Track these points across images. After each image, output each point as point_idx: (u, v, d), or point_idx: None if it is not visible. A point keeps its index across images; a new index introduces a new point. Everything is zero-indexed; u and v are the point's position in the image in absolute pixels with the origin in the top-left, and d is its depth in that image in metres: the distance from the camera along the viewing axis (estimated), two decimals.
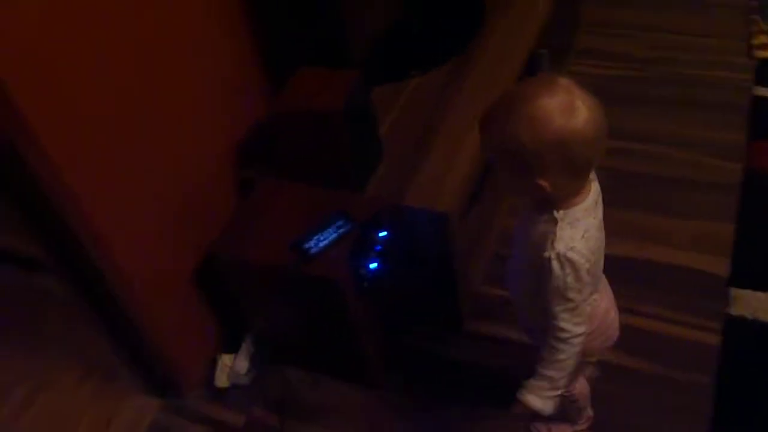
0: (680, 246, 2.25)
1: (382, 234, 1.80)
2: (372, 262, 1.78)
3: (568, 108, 1.15)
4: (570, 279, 1.25)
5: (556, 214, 1.25)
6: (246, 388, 2.12)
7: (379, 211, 1.82)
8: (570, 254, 1.23)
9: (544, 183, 1.20)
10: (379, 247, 1.80)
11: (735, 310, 2.05)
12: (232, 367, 2.10)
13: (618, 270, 2.16)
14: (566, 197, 1.26)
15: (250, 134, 2.08)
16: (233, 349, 2.13)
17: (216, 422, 2.07)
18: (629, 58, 3.03)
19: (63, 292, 2.39)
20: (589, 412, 1.86)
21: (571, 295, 1.27)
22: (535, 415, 1.45)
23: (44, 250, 1.74)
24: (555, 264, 1.24)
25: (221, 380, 2.11)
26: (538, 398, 1.38)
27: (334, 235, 1.75)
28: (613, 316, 1.52)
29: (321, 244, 1.74)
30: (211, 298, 2.09)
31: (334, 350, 2.00)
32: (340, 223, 1.77)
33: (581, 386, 1.73)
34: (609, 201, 2.35)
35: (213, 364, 2.13)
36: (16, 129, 1.43)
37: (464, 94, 2.09)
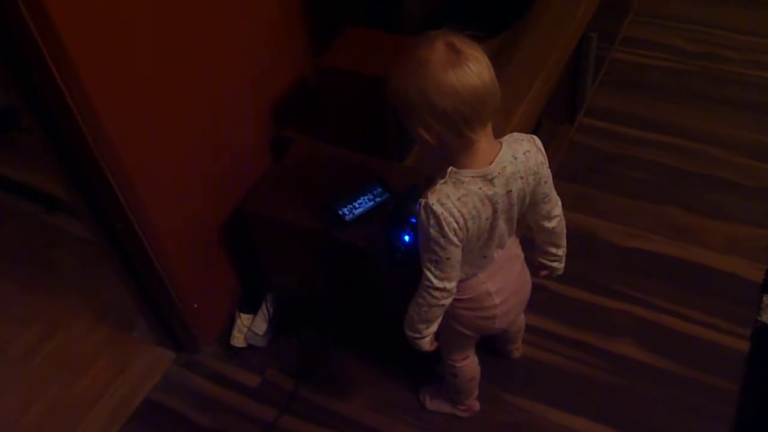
0: (716, 248, 2.20)
1: (419, 206, 1.75)
2: (406, 234, 1.74)
3: (440, 60, 1.18)
4: (433, 231, 1.29)
5: (449, 169, 1.29)
6: (262, 349, 2.09)
7: (417, 182, 1.77)
8: (436, 207, 1.27)
9: (424, 133, 1.26)
10: (415, 220, 1.75)
11: (767, 318, 2.01)
12: (249, 327, 2.07)
13: (650, 267, 2.15)
14: (456, 155, 1.29)
15: (290, 92, 2.03)
16: (252, 309, 2.10)
17: (230, 381, 2.04)
18: (675, 51, 2.97)
19: (82, 235, 2.38)
20: (475, 404, 1.87)
21: (435, 247, 1.31)
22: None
23: (74, 193, 1.70)
24: (422, 212, 1.30)
25: (238, 340, 2.08)
26: (407, 331, 1.48)
27: (371, 204, 1.71)
28: (496, 303, 1.51)
29: (356, 212, 1.69)
30: (235, 256, 2.05)
31: (357, 319, 1.97)
32: (377, 191, 1.72)
33: (467, 365, 1.74)
34: (643, 194, 2.37)
35: (230, 323, 2.10)
36: (64, 72, 1.40)
37: (511, 68, 2.03)
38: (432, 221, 1.29)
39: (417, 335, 1.47)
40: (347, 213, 1.69)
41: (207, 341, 2.10)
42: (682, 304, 2.07)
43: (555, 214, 1.49)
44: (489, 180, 1.29)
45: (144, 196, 1.68)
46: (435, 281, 1.36)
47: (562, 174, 2.42)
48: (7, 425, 2.01)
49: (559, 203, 1.49)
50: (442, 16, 2.05)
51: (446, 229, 1.28)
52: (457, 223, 1.29)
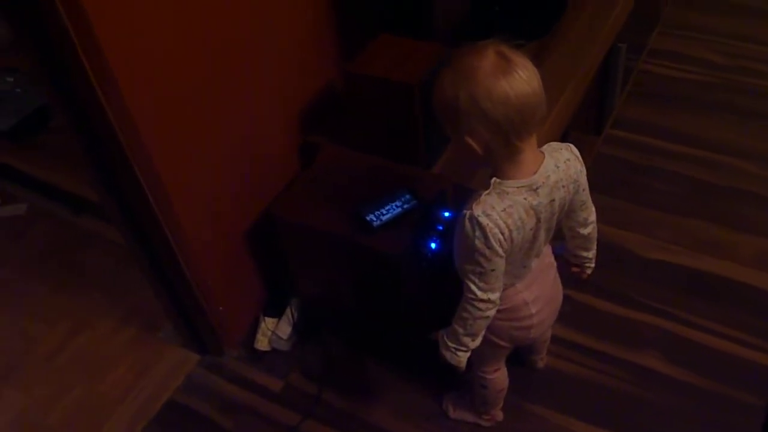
0: (742, 262, 2.18)
1: (446, 214, 1.76)
2: (433, 242, 1.74)
3: (491, 68, 1.18)
4: (479, 243, 1.28)
5: (492, 180, 1.28)
6: (285, 353, 2.10)
7: (445, 190, 1.77)
8: (482, 218, 1.26)
9: (470, 141, 1.24)
10: (442, 228, 1.76)
11: None
12: (274, 331, 2.08)
13: (676, 279, 2.14)
14: (501, 165, 1.28)
15: (319, 98, 2.04)
16: (276, 313, 2.11)
17: (253, 384, 2.05)
18: (704, 63, 2.96)
19: (110, 236, 2.41)
20: (498, 414, 1.87)
21: (479, 259, 1.30)
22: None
23: (105, 195, 1.72)
24: (467, 223, 1.28)
25: (262, 343, 2.09)
26: (446, 350, 1.46)
27: (398, 210, 1.71)
28: (533, 313, 1.51)
29: (384, 218, 1.70)
30: (261, 260, 2.06)
31: (381, 325, 1.97)
32: (405, 198, 1.72)
33: (498, 377, 1.73)
34: (670, 206, 2.36)
35: (254, 326, 2.11)
36: (100, 76, 1.42)
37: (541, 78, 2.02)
38: (478, 233, 1.27)
39: (462, 348, 1.45)
40: (375, 219, 1.69)
41: (231, 344, 2.11)
42: (708, 318, 2.05)
43: (591, 221, 1.50)
44: (534, 190, 1.29)
45: (174, 200, 1.69)
46: (479, 293, 1.35)
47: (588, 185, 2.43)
48: (32, 423, 2.03)
49: (594, 210, 1.49)
50: (470, 25, 2.06)
51: (492, 240, 1.27)
52: (503, 234, 1.27)
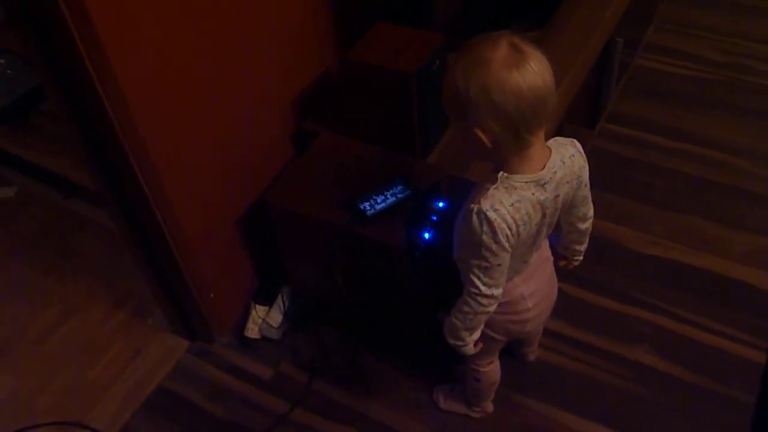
0: (737, 259, 2.18)
1: (440, 204, 1.75)
2: (426, 232, 1.73)
3: (504, 59, 1.16)
4: (486, 238, 1.26)
5: (499, 174, 1.26)
6: (276, 342, 2.09)
7: (440, 180, 1.77)
8: (490, 213, 1.24)
9: (480, 132, 1.21)
10: (435, 218, 1.75)
11: None
12: (264, 319, 2.07)
13: (670, 275, 2.14)
14: (509, 159, 1.26)
15: (316, 85, 2.03)
16: (267, 301, 2.10)
17: (243, 372, 2.04)
18: (699, 59, 2.95)
19: (101, 221, 2.39)
20: (489, 406, 1.87)
21: (486, 254, 1.28)
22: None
23: (98, 179, 1.71)
24: (474, 218, 1.25)
25: (252, 331, 2.09)
26: (450, 339, 1.46)
27: (392, 200, 1.70)
28: (529, 307, 1.50)
29: (378, 207, 1.69)
30: (253, 247, 2.06)
31: (373, 315, 1.96)
32: (399, 188, 1.72)
33: (491, 370, 1.72)
34: (664, 202, 2.36)
35: (245, 314, 2.10)
36: (95, 58, 1.41)
37: None
38: (485, 228, 1.25)
39: (460, 343, 1.45)
40: (369, 208, 1.69)
41: (221, 331, 2.11)
42: (701, 314, 2.05)
43: (590, 216, 1.50)
44: (542, 185, 1.27)
45: (167, 185, 1.68)
46: (483, 288, 1.33)
47: None
48: (21, 406, 2.02)
49: (592, 205, 1.49)
50: (469, 14, 2.05)
51: (500, 235, 1.25)
52: (510, 230, 1.26)
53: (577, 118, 2.54)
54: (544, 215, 1.32)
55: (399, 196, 1.71)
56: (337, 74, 2.05)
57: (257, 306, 2.09)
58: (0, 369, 2.11)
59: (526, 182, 1.26)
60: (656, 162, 2.53)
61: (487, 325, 1.49)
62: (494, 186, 1.25)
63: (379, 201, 1.70)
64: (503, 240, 1.26)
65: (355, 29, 1.84)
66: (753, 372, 1.92)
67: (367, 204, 1.70)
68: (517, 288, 1.46)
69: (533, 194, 1.27)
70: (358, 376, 2.01)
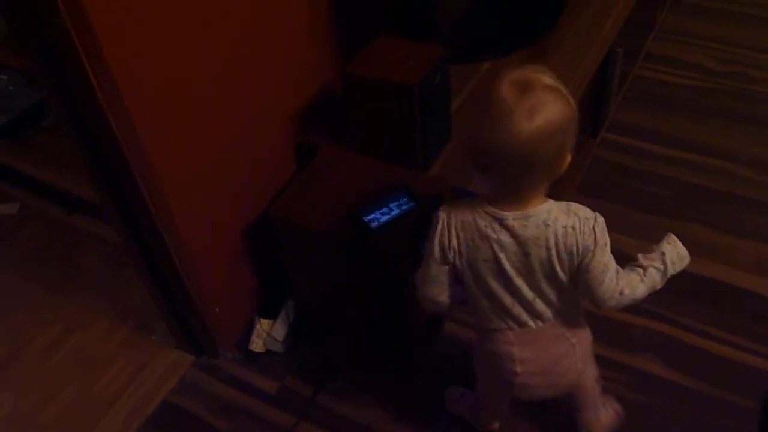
0: (740, 266, 2.18)
1: None
2: None
3: (495, 105, 1.18)
4: (431, 231, 1.35)
5: (480, 195, 1.32)
6: (281, 355, 2.09)
7: (443, 192, 1.77)
8: (441, 212, 1.33)
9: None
10: None
11: None
12: (269, 332, 2.07)
13: (673, 283, 2.13)
14: (494, 191, 1.29)
15: (318, 97, 2.03)
16: (272, 315, 2.10)
17: (248, 386, 2.04)
18: (699, 69, 2.96)
19: (105, 236, 2.39)
20: (494, 425, 1.83)
21: (426, 244, 1.37)
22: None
23: (102, 194, 1.71)
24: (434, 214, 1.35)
25: (257, 345, 2.08)
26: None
27: (396, 212, 1.71)
28: (517, 371, 1.44)
29: (382, 220, 1.69)
30: (257, 261, 2.05)
31: (377, 327, 1.96)
32: (403, 200, 1.72)
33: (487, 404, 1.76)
34: (666, 210, 2.36)
35: (250, 328, 2.10)
36: (99, 71, 1.41)
37: None
38: (433, 223, 1.34)
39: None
40: (373, 220, 1.69)
41: (226, 346, 2.10)
42: (706, 322, 2.05)
43: (606, 306, 1.38)
44: (499, 223, 1.27)
45: (171, 199, 1.68)
46: (416, 276, 1.42)
47: (583, 188, 2.43)
48: (26, 422, 2.01)
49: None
50: (472, 27, 2.06)
51: (437, 237, 1.32)
52: (450, 241, 1.31)
53: (579, 128, 2.55)
54: (496, 258, 1.30)
55: (403, 208, 1.71)
56: (339, 87, 2.06)
57: (261, 320, 2.09)
58: (3, 385, 2.11)
59: (487, 212, 1.28)
60: (657, 171, 2.53)
61: (475, 357, 1.57)
62: (468, 199, 1.32)
63: (383, 213, 1.71)
64: (437, 243, 1.33)
65: (356, 42, 1.85)
66: (759, 379, 1.92)
67: (371, 216, 1.70)
68: (508, 345, 1.42)
69: (485, 226, 1.29)
70: (362, 389, 2.00)
